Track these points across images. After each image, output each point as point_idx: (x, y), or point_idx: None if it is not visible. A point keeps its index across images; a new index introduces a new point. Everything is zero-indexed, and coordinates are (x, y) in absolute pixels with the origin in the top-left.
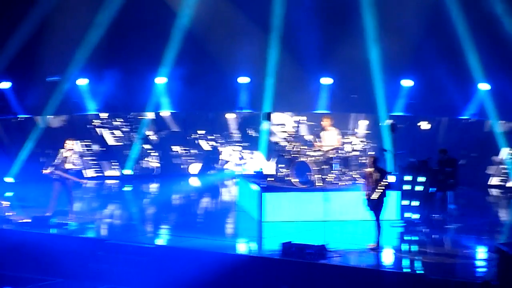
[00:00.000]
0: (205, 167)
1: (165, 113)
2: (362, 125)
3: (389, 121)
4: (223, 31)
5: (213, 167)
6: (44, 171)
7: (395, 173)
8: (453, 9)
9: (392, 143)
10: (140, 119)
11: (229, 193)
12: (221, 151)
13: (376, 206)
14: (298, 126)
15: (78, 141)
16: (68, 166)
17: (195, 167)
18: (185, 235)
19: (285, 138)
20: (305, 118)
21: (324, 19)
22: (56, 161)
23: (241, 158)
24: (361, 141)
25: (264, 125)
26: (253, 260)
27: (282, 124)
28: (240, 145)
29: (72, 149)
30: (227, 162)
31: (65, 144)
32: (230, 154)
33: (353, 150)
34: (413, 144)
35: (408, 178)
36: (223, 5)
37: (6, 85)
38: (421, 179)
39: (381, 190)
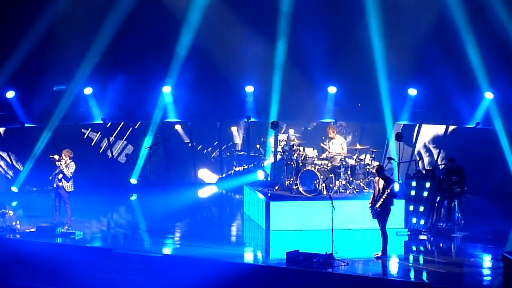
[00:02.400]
0: (212, 176)
1: (172, 122)
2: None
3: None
4: (230, 40)
5: (220, 175)
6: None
7: (400, 181)
8: (458, 18)
9: (398, 152)
10: (147, 128)
11: (236, 201)
12: (229, 160)
13: (381, 214)
14: (304, 135)
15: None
16: (64, 174)
17: (202, 176)
18: (191, 244)
19: (291, 147)
20: (311, 126)
21: (330, 28)
22: (54, 171)
23: (248, 167)
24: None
25: (271, 134)
26: (260, 269)
27: (289, 133)
28: (247, 154)
29: (69, 159)
30: (234, 170)
31: (62, 154)
32: (237, 163)
33: (358, 159)
34: (418, 153)
35: (414, 184)
36: (229, 14)
37: (11, 94)
38: (427, 184)
39: (387, 199)
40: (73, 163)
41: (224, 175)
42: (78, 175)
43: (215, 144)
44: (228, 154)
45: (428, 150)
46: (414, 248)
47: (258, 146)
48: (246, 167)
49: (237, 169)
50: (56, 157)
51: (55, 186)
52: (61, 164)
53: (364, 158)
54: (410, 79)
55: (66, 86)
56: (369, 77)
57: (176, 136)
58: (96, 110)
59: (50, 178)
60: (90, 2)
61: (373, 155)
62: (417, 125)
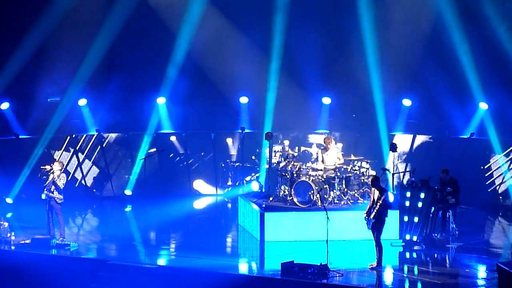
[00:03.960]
0: (208, 187)
1: (167, 133)
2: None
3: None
4: (224, 51)
5: (216, 186)
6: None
7: (395, 192)
8: (452, 29)
9: (392, 162)
10: (141, 139)
11: (231, 212)
12: (223, 171)
13: (376, 225)
14: (299, 146)
15: (59, 162)
16: (56, 186)
17: (197, 187)
18: (186, 255)
19: (286, 158)
20: (306, 137)
21: (324, 39)
22: (46, 183)
23: (242, 178)
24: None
25: (266, 145)
26: (255, 280)
27: (284, 144)
28: (242, 165)
29: (60, 170)
30: (229, 181)
31: (53, 166)
32: (231, 174)
33: (352, 169)
34: (413, 163)
35: (408, 195)
36: (224, 26)
37: (5, 105)
38: (422, 195)
39: (380, 209)
40: (64, 174)
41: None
42: (72, 187)
43: (209, 155)
44: (223, 165)
45: (422, 160)
46: (408, 258)
47: (253, 157)
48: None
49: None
50: (48, 167)
51: (43, 197)
52: (53, 175)
53: (359, 169)
54: (404, 89)
55: (61, 98)
56: (363, 88)
57: (171, 147)
58: (90, 121)
59: (46, 191)
60: (84, 14)
61: (369, 166)
62: (412, 135)
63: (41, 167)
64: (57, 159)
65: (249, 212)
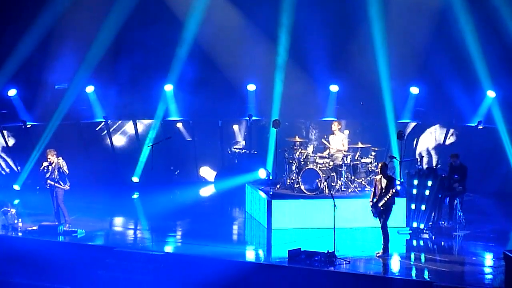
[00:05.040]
0: (214, 174)
1: (174, 120)
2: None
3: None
4: (231, 38)
5: (223, 174)
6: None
7: (402, 180)
8: (461, 17)
9: (400, 150)
10: (149, 126)
11: (238, 200)
12: (230, 158)
13: (383, 213)
14: (307, 133)
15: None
16: (61, 172)
17: (203, 174)
18: (193, 242)
19: (293, 145)
20: (314, 125)
21: (332, 27)
22: (48, 174)
23: (250, 165)
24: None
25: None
26: (262, 267)
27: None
28: (249, 152)
29: (54, 159)
30: (236, 168)
31: (48, 158)
32: (238, 161)
33: (359, 157)
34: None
35: (415, 183)
36: (231, 13)
37: (13, 92)
38: (429, 183)
39: (389, 197)
40: (63, 160)
41: None
42: (81, 173)
43: (216, 142)
44: (230, 152)
45: (430, 148)
46: (415, 246)
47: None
48: None
49: None
50: (45, 163)
51: (48, 187)
52: (53, 164)
53: (366, 157)
54: (412, 77)
55: (68, 85)
56: (371, 76)
57: (178, 134)
58: (98, 108)
59: (54, 182)
60: (91, 0)
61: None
62: (419, 123)
63: (41, 168)
64: (48, 149)
65: (256, 199)
